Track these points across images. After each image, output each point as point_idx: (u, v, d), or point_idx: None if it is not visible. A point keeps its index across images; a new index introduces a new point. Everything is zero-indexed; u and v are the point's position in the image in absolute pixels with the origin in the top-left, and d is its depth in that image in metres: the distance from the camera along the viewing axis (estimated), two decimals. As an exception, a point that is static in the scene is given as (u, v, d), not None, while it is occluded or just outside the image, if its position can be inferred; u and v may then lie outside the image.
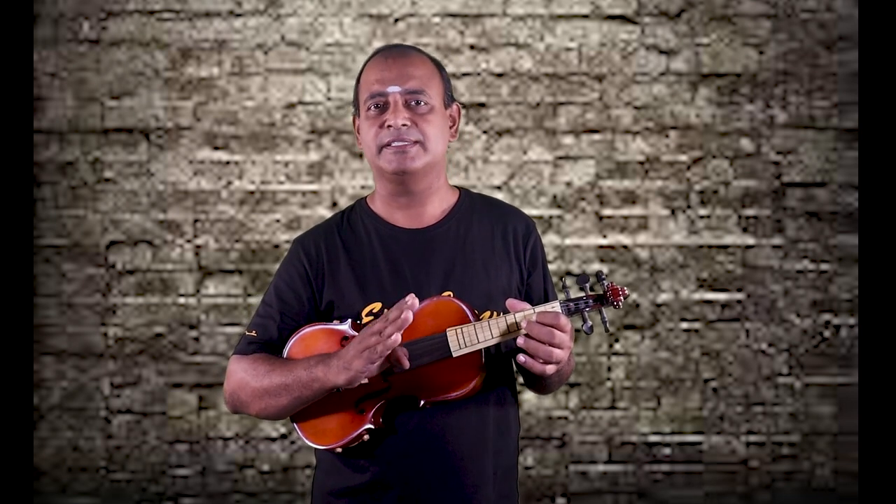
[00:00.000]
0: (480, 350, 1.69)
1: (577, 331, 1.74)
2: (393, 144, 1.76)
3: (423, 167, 1.79)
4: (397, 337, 1.61)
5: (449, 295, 1.76)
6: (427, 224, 1.84)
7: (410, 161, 1.77)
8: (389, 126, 1.76)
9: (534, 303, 1.85)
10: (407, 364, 1.66)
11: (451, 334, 1.68)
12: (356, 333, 1.74)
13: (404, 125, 1.76)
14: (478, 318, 1.71)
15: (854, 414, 3.76)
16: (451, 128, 1.86)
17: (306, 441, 1.76)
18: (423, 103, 1.78)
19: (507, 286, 1.82)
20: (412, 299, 1.61)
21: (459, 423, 1.74)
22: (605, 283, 1.71)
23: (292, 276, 1.83)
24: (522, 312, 1.68)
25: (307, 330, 1.78)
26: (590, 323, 1.70)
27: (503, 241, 1.85)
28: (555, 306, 1.69)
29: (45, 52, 3.85)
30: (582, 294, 1.71)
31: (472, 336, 1.68)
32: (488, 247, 1.84)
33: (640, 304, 3.90)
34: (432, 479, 1.73)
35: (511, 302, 1.70)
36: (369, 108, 1.79)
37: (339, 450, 1.75)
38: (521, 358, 1.67)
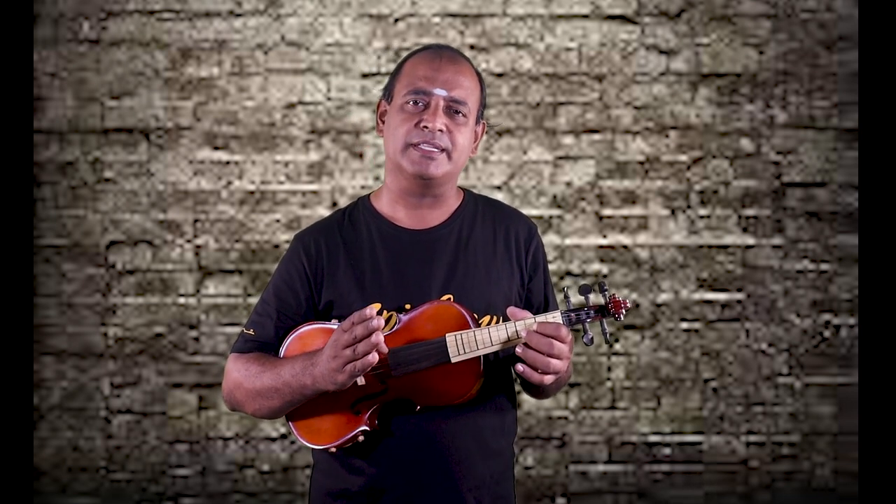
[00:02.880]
0: (479, 356, 1.69)
1: (576, 340, 1.73)
2: (421, 146, 1.75)
3: (442, 175, 1.78)
4: (374, 356, 1.61)
5: (449, 298, 1.75)
6: (431, 225, 1.83)
7: (435, 167, 1.76)
8: (425, 127, 1.75)
9: (533, 307, 1.85)
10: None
11: (451, 340, 1.67)
12: None
13: (440, 130, 1.75)
14: (477, 324, 1.71)
15: (854, 414, 3.76)
16: (473, 142, 1.85)
17: (301, 440, 1.76)
18: (461, 114, 1.78)
19: (508, 291, 1.82)
20: (374, 317, 1.59)
21: (455, 427, 1.74)
22: (608, 294, 1.70)
23: (291, 275, 1.82)
24: (523, 321, 1.67)
25: (305, 328, 1.78)
26: (590, 334, 1.68)
27: (505, 245, 1.85)
28: (556, 316, 1.67)
29: (45, 52, 3.85)
30: (583, 305, 1.70)
31: (472, 343, 1.67)
32: (490, 250, 1.83)
33: (640, 304, 3.90)
34: (428, 483, 1.73)
35: (512, 310, 1.69)
36: (408, 102, 1.77)
37: (334, 450, 1.75)
38: (520, 367, 1.66)
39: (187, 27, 3.87)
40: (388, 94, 1.85)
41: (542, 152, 3.89)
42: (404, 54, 3.80)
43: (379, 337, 1.60)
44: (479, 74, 1.85)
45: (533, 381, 1.66)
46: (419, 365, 1.68)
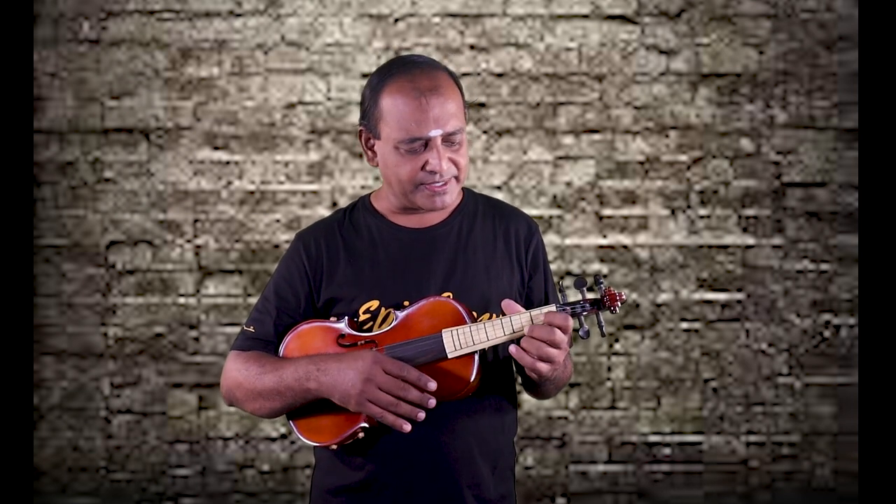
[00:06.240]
0: (476, 352, 1.69)
1: (574, 331, 1.73)
2: (433, 186, 1.74)
3: (455, 196, 1.80)
4: (408, 425, 1.66)
5: (448, 296, 1.75)
6: (430, 224, 1.83)
7: (449, 198, 1.77)
8: (432, 171, 1.73)
9: (534, 306, 1.85)
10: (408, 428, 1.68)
11: (447, 336, 1.68)
12: (352, 331, 1.74)
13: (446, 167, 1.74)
14: (475, 320, 1.71)
15: (854, 414, 3.76)
16: None
17: (301, 438, 1.76)
18: (457, 139, 1.76)
19: (508, 289, 1.82)
20: (432, 398, 1.65)
21: (455, 425, 1.74)
22: (603, 287, 1.69)
23: (291, 273, 1.83)
24: (519, 316, 1.67)
25: (304, 327, 1.78)
26: (586, 327, 1.68)
27: (505, 243, 1.85)
28: (550, 310, 1.67)
29: (45, 52, 3.85)
30: (579, 298, 1.70)
31: (468, 338, 1.67)
32: (490, 248, 1.83)
33: (640, 304, 3.90)
34: (428, 480, 1.73)
35: (507, 303, 1.69)
36: (402, 144, 1.73)
37: (335, 447, 1.75)
38: (513, 348, 1.66)
39: (187, 27, 3.87)
40: (370, 126, 1.79)
41: (542, 152, 3.89)
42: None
43: (422, 415, 1.65)
44: (454, 78, 1.80)
45: (524, 363, 1.66)
46: (416, 361, 1.68)
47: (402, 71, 1.77)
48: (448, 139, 1.74)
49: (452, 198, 1.78)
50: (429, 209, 1.78)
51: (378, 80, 1.78)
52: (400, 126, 1.73)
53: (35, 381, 3.83)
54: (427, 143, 1.73)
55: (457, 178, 1.77)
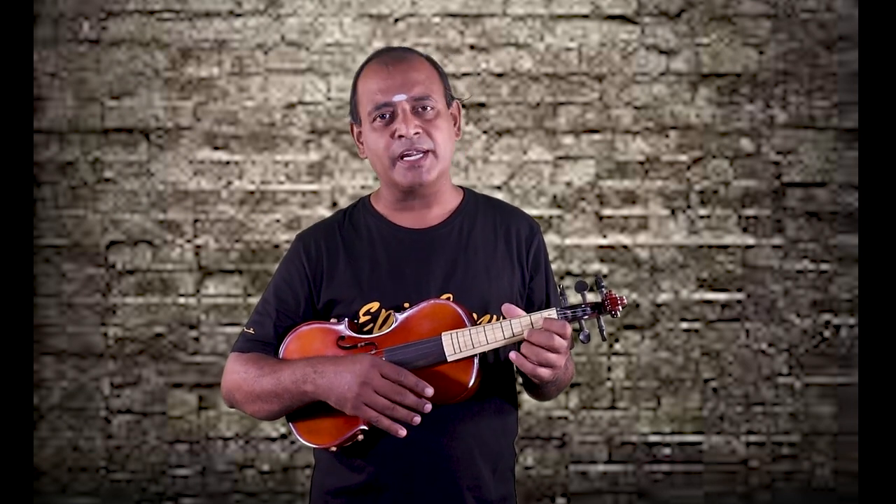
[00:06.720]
0: (476, 356, 1.68)
1: (575, 332, 1.72)
2: (406, 158, 1.74)
3: (436, 177, 1.78)
4: (403, 430, 1.65)
5: (448, 298, 1.75)
6: (430, 224, 1.83)
7: (426, 174, 1.76)
8: (401, 136, 1.74)
9: (535, 306, 1.84)
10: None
11: (447, 339, 1.67)
12: (352, 333, 1.74)
13: (416, 133, 1.74)
14: (475, 323, 1.70)
15: (854, 414, 3.76)
16: (454, 126, 1.84)
17: (301, 440, 1.76)
18: (429, 108, 1.76)
19: (509, 290, 1.81)
20: (427, 402, 1.64)
21: (455, 427, 1.74)
22: (604, 291, 1.68)
23: (291, 275, 1.82)
24: (518, 320, 1.67)
25: (304, 328, 1.78)
26: (587, 331, 1.67)
27: (506, 243, 1.84)
28: (551, 314, 1.66)
29: (45, 52, 3.85)
30: (580, 301, 1.69)
31: (468, 341, 1.67)
32: (491, 249, 1.82)
33: (640, 304, 3.90)
34: (428, 481, 1.73)
35: (507, 307, 1.69)
36: (375, 119, 1.76)
37: (335, 449, 1.75)
38: (513, 355, 1.66)
39: (187, 27, 3.87)
40: (355, 117, 1.84)
41: (542, 152, 3.89)
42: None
43: (418, 419, 1.64)
44: (431, 60, 1.83)
45: (525, 369, 1.66)
46: (415, 364, 1.68)
47: (377, 55, 1.83)
48: (418, 106, 1.75)
49: (432, 175, 1.77)
50: (407, 186, 1.77)
51: (358, 71, 1.84)
52: (369, 99, 1.77)
53: (35, 381, 3.83)
54: (395, 112, 1.75)
55: (435, 155, 1.76)
